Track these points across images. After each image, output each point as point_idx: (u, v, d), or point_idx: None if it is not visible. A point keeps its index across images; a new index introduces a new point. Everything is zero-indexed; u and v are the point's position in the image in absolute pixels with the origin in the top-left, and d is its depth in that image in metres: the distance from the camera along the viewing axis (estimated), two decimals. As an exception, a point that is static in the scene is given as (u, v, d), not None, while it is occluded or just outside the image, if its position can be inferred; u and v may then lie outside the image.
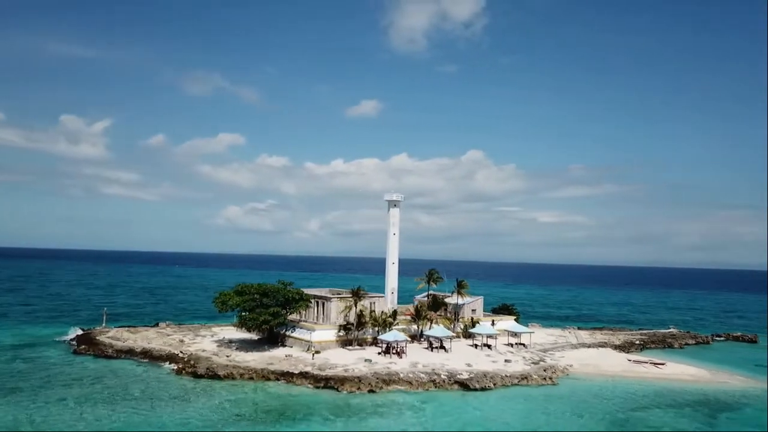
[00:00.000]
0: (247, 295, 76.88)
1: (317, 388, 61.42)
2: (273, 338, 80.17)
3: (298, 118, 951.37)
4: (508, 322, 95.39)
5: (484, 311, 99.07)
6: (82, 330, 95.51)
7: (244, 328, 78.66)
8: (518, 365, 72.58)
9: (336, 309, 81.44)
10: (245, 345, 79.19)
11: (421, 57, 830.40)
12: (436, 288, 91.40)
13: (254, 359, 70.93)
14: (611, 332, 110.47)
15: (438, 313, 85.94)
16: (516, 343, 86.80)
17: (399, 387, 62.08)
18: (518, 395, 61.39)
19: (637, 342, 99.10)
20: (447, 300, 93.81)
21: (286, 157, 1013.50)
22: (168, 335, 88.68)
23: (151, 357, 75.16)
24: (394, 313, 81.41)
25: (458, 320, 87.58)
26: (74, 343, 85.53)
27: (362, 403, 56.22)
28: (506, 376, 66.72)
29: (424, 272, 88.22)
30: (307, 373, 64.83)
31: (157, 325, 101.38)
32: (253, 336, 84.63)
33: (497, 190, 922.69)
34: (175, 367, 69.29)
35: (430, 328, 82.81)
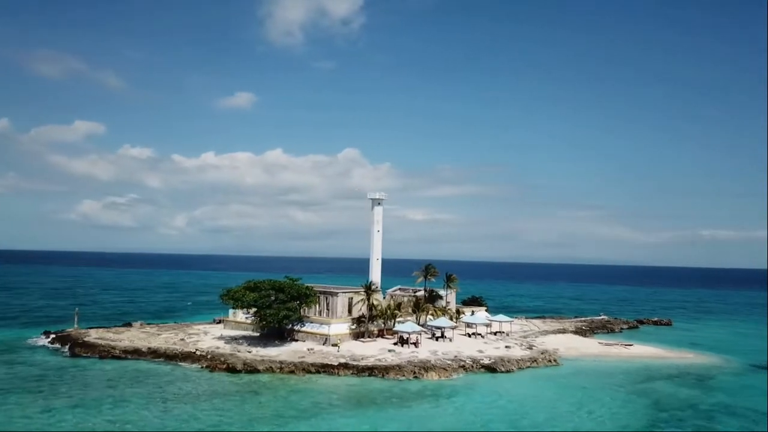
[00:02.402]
0: (263, 291, 77.44)
1: (362, 377, 64.59)
2: (280, 334, 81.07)
3: (166, 108, 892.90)
4: (482, 313, 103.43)
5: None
6: (49, 332, 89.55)
7: (262, 324, 79.01)
8: (518, 350, 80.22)
9: (341, 303, 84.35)
10: (255, 341, 79.52)
11: (299, 51, 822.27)
12: (433, 283, 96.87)
13: (280, 354, 72.09)
14: (557, 320, 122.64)
15: (434, 305, 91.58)
16: (497, 332, 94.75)
17: (436, 373, 66.89)
18: (540, 375, 68.82)
19: (586, 328, 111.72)
20: (419, 293, 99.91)
21: (151, 148, 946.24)
22: (158, 335, 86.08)
23: (165, 356, 73.27)
24: (399, 306, 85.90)
25: (446, 312, 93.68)
26: (58, 345, 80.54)
27: (420, 388, 60.45)
28: (519, 359, 73.97)
29: (421, 267, 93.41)
30: (346, 364, 67.60)
31: (129, 325, 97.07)
32: (251, 333, 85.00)
33: (372, 187, 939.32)
34: (206, 365, 68.70)
35: (425, 321, 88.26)
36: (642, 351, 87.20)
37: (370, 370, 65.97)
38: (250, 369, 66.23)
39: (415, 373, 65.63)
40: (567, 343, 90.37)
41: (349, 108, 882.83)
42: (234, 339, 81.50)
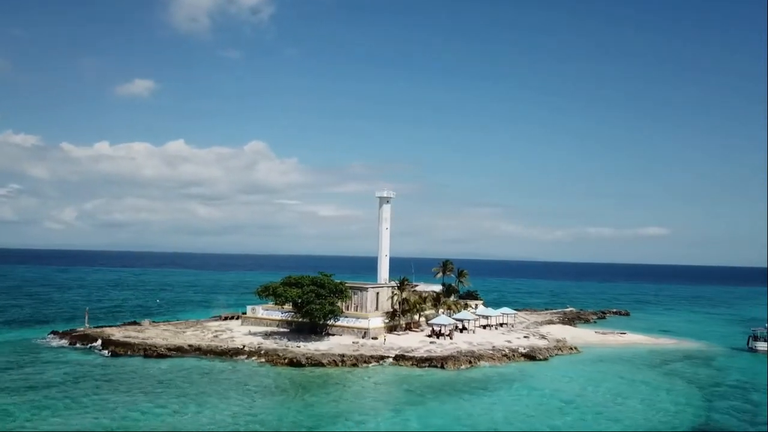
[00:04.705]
0: (306, 287, 78.92)
1: (422, 367, 68.22)
2: (313, 328, 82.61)
3: (55, 92, 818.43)
4: (481, 306, 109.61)
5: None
6: (57, 332, 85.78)
7: (307, 319, 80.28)
8: (536, 340, 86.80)
9: (371, 298, 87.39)
10: (293, 336, 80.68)
11: (204, 38, 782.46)
12: (450, 278, 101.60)
13: (332, 347, 74.07)
14: (536, 313, 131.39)
15: (451, 299, 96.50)
16: (502, 323, 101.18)
17: (485, 362, 71.84)
18: (574, 361, 75.72)
19: (569, 318, 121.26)
20: (417, 288, 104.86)
21: (38, 135, 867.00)
22: (183, 332, 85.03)
23: (213, 353, 73.08)
24: (424, 299, 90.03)
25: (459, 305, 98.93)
26: (81, 345, 77.55)
27: (484, 375, 65.14)
28: (547, 348, 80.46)
29: (440, 263, 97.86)
30: (403, 355, 70.97)
31: (136, 323, 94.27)
32: (277, 328, 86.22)
33: (278, 182, 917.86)
34: (264, 360, 69.56)
35: (443, 314, 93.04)
36: (635, 339, 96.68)
37: (429, 361, 69.73)
38: (314, 363, 67.89)
39: (470, 362, 70.22)
40: (567, 333, 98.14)
41: (256, 100, 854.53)
42: (269, 335, 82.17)
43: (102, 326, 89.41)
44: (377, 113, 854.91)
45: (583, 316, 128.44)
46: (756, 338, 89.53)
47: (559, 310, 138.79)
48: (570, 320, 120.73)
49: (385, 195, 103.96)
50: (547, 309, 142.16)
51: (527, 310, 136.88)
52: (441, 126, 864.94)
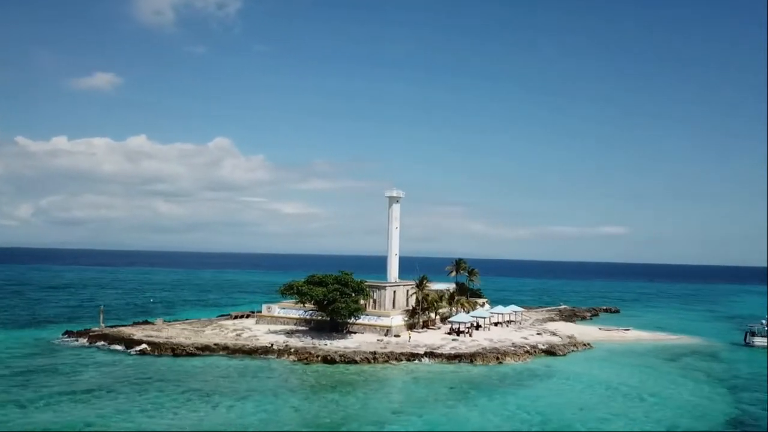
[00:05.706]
0: (330, 285, 79.83)
1: (454, 363, 69.98)
2: (334, 326, 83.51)
3: (11, 85, 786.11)
4: (486, 304, 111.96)
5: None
6: (71, 332, 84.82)
7: (331, 318, 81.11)
8: (549, 337, 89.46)
9: (389, 297, 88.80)
10: (317, 334, 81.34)
11: (168, 32, 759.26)
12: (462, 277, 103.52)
13: (360, 345, 75.19)
14: (533, 310, 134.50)
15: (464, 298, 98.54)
16: (510, 321, 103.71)
17: (511, 358, 73.95)
18: (591, 357, 78.43)
19: (565, 316, 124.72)
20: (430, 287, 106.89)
21: None
22: (201, 331, 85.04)
23: (241, 352, 73.43)
24: (441, 297, 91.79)
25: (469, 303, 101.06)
26: (101, 344, 76.90)
27: (512, 371, 67.22)
28: (565, 344, 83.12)
29: (453, 261, 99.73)
30: (432, 353, 72.59)
31: (147, 323, 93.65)
32: (295, 326, 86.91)
33: (244, 179, 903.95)
34: (297, 358, 70.29)
35: (457, 312, 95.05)
36: (638, 335, 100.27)
37: (459, 357, 71.52)
38: (348, 360, 68.89)
39: (497, 358, 72.26)
40: (572, 330, 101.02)
41: (222, 96, 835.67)
42: (291, 333, 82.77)
43: (117, 326, 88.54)
44: (343, 110, 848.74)
45: (579, 314, 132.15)
46: (753, 334, 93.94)
47: (554, 307, 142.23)
48: (568, 317, 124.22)
49: (394, 195, 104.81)
50: (541, 307, 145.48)
51: (523, 308, 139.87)
52: (407, 125, 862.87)
